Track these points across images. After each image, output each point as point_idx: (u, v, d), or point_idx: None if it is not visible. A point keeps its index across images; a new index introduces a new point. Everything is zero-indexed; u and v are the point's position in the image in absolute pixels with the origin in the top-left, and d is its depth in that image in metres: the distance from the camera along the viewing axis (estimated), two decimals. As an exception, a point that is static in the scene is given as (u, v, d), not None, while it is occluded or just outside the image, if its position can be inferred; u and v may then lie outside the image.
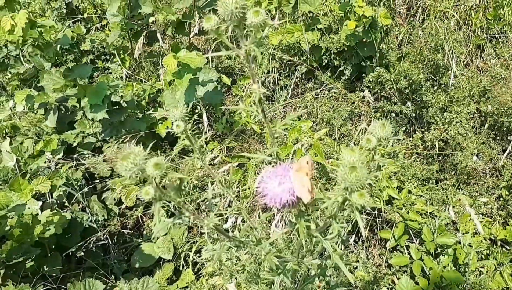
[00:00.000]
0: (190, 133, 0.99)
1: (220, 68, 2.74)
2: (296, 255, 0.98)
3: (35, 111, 2.42)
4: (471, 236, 1.90)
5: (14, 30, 1.58)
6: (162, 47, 2.49)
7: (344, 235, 1.13)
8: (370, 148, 0.83)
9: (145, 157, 0.69)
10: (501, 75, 2.38)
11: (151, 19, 2.08)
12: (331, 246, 0.85)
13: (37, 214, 1.86)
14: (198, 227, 2.14)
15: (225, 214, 1.66)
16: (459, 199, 2.04)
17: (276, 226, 1.81)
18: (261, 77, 2.72)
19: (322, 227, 0.85)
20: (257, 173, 1.99)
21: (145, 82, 2.40)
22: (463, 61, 2.62)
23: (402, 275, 1.84)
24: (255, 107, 0.85)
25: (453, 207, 1.99)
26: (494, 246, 1.95)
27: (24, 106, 2.27)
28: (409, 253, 1.88)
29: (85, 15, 2.89)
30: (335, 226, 0.82)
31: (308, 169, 0.71)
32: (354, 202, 0.69)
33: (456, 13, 2.66)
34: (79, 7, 2.96)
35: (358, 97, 2.51)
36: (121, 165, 0.68)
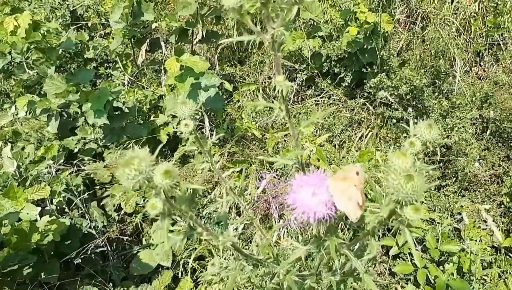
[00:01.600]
0: (199, 134, 0.91)
1: (221, 75, 2.76)
2: (315, 272, 0.89)
3: (38, 118, 2.43)
4: (475, 244, 1.87)
5: (17, 31, 1.59)
6: (164, 54, 2.51)
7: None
8: (414, 152, 0.70)
9: (152, 163, 0.56)
10: (502, 81, 2.39)
11: (154, 25, 2.11)
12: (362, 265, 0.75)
13: (36, 220, 1.84)
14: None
15: (234, 223, 1.63)
16: (461, 206, 2.01)
17: (280, 236, 1.78)
18: (262, 84, 2.73)
19: (352, 244, 0.74)
20: (259, 179, 1.98)
21: (147, 88, 2.42)
22: (463, 69, 2.63)
23: (406, 283, 1.81)
24: (277, 104, 0.73)
25: (459, 213, 1.96)
26: (498, 254, 1.92)
27: (26, 112, 2.28)
28: (412, 261, 1.85)
29: (89, 24, 2.93)
30: (373, 245, 0.70)
31: (357, 181, 0.60)
32: (407, 218, 0.57)
33: (456, 20, 2.69)
34: (84, 15, 3.00)
35: (358, 103, 2.52)
36: (122, 172, 0.55)
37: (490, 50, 2.68)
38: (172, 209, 0.62)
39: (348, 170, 0.61)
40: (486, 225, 1.96)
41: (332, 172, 0.64)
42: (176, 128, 2.42)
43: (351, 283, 0.94)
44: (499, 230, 2.03)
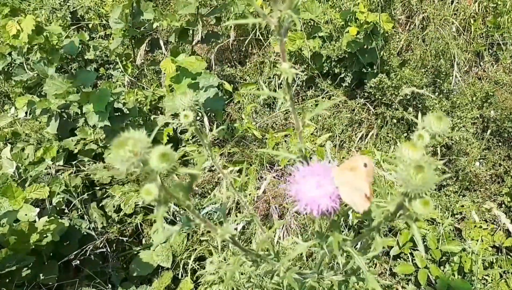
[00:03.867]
0: (199, 126, 0.87)
1: (221, 76, 2.76)
2: (316, 270, 0.86)
3: (39, 120, 2.43)
4: (476, 244, 1.86)
5: (19, 35, 1.58)
6: (164, 54, 2.51)
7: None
8: (422, 145, 0.66)
9: (148, 145, 0.52)
10: (503, 81, 2.38)
11: (155, 25, 2.11)
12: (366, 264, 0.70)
13: (34, 221, 1.84)
14: (198, 234, 2.10)
15: (235, 221, 1.61)
16: (462, 206, 2.00)
17: (280, 237, 1.77)
18: (263, 85, 2.73)
19: (357, 240, 0.70)
20: (259, 179, 1.97)
21: (147, 88, 2.41)
22: (463, 68, 2.63)
23: (407, 283, 1.80)
24: (281, 93, 0.68)
25: (460, 213, 1.95)
26: (499, 254, 1.91)
27: (26, 113, 2.28)
28: (413, 261, 1.84)
29: (90, 25, 2.93)
30: (378, 242, 0.66)
31: (365, 173, 0.56)
32: (415, 212, 0.53)
33: (456, 21, 2.69)
34: (84, 17, 3.00)
35: (358, 104, 2.51)
36: (115, 153, 0.50)
37: (490, 50, 2.68)
38: (169, 197, 0.58)
39: (355, 160, 0.57)
40: (487, 225, 1.95)
41: (338, 162, 0.61)
42: (176, 128, 2.40)
43: (354, 283, 0.92)
44: (500, 230, 2.02)
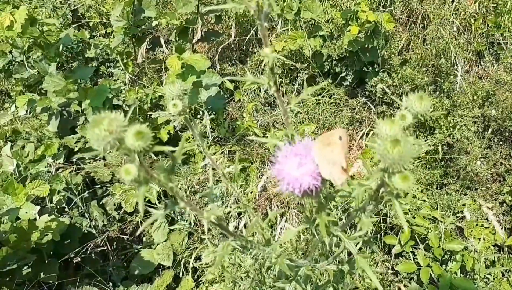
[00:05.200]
0: (190, 117, 0.86)
1: (222, 74, 2.76)
2: (310, 259, 0.85)
3: (40, 118, 2.42)
4: (478, 242, 1.86)
5: (13, 26, 1.57)
6: (165, 53, 2.51)
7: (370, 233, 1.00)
8: (404, 126, 0.66)
9: (124, 124, 0.53)
10: (504, 80, 2.39)
11: (154, 23, 2.10)
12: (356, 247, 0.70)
13: (35, 219, 1.83)
14: (198, 233, 2.10)
15: (229, 211, 1.60)
16: (464, 205, 2.00)
17: (281, 230, 1.77)
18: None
19: (348, 223, 0.70)
20: (260, 177, 1.97)
21: (147, 87, 2.41)
22: (464, 68, 2.63)
23: (409, 282, 1.80)
24: (266, 78, 0.68)
25: (461, 211, 1.95)
26: (501, 253, 1.91)
27: (26, 111, 2.27)
28: (415, 260, 1.84)
29: (91, 23, 2.93)
30: (364, 221, 0.66)
31: (341, 145, 0.57)
32: (395, 187, 0.54)
33: (456, 20, 2.69)
34: (85, 15, 3.00)
35: (359, 103, 2.51)
36: (92, 133, 0.51)
37: (490, 50, 2.68)
38: (149, 178, 0.57)
39: (331, 134, 0.58)
40: (489, 223, 1.95)
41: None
42: (176, 128, 2.38)
43: (348, 271, 0.90)
44: (501, 228, 2.02)
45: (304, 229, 0.70)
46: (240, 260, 1.12)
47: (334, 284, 0.92)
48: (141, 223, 2.16)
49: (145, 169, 0.57)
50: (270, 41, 2.71)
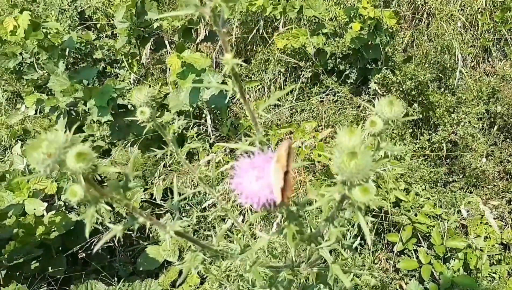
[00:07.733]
0: (159, 122, 0.87)
1: (225, 74, 2.78)
2: (291, 263, 0.84)
3: (49, 118, 2.49)
4: (484, 240, 1.84)
5: (16, 30, 1.62)
6: (169, 53, 2.54)
7: (349, 239, 1.02)
8: (375, 133, 0.63)
9: (64, 145, 0.50)
10: (510, 76, 2.35)
11: (155, 24, 2.14)
12: (330, 253, 0.70)
13: (42, 215, 1.88)
14: (204, 229, 2.13)
15: (207, 215, 1.60)
16: (469, 202, 1.98)
17: (278, 225, 1.78)
18: (267, 82, 2.74)
19: (316, 234, 0.70)
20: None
21: (152, 86, 2.45)
22: (470, 64, 2.59)
23: (410, 279, 1.79)
24: (231, 84, 0.67)
25: (465, 209, 1.93)
26: (507, 251, 1.88)
27: (36, 111, 2.34)
28: (417, 257, 1.83)
29: (98, 25, 2.99)
30: (332, 231, 0.65)
31: (284, 160, 0.53)
32: (356, 200, 0.52)
33: (463, 16, 2.65)
34: (92, 17, 3.06)
35: (363, 100, 2.50)
36: (30, 157, 0.49)
37: (497, 46, 2.64)
38: (99, 196, 0.56)
39: (279, 150, 0.54)
40: (487, 220, 1.92)
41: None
42: (178, 128, 2.42)
43: (331, 276, 0.89)
44: (508, 227, 1.99)
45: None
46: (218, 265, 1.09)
47: (322, 285, 0.93)
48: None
49: (96, 189, 0.55)
50: (273, 40, 2.72)
